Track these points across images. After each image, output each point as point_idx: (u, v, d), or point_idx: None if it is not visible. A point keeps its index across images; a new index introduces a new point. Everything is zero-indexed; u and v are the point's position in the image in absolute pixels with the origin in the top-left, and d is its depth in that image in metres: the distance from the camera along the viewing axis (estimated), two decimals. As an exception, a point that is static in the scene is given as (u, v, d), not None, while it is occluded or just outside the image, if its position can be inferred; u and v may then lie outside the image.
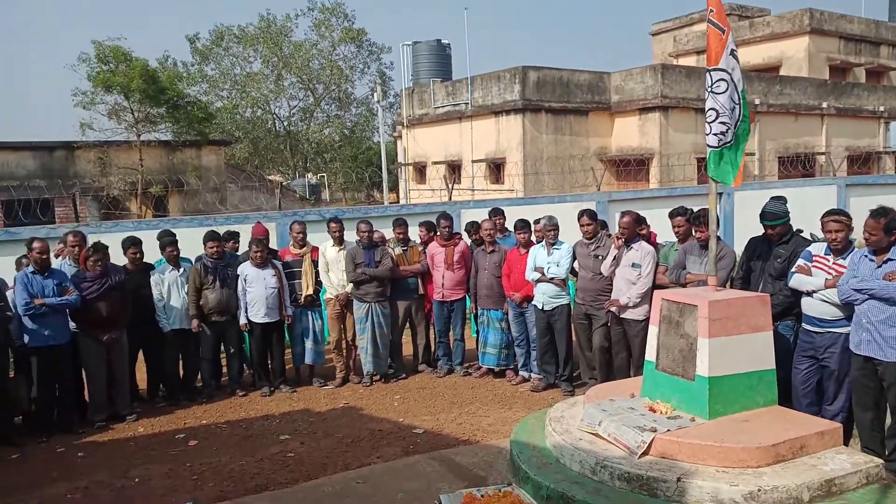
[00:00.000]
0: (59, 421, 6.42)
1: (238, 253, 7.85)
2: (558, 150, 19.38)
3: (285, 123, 35.65)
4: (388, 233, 8.13)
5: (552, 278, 6.96)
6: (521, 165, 18.76)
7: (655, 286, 6.31)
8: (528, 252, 7.25)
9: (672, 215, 6.70)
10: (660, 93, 19.22)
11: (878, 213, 4.61)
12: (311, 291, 7.60)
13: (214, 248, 7.24)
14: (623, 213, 6.69)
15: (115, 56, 17.98)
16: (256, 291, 7.26)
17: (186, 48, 34.93)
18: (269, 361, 7.59)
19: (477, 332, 8.06)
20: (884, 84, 26.84)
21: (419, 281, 7.94)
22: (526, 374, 7.54)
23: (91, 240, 7.05)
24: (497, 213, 8.25)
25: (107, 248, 6.66)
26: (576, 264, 7.05)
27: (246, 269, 7.32)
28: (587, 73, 20.35)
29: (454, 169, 21.88)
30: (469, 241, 8.18)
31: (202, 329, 7.16)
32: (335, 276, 7.66)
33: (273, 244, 8.73)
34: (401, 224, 8.00)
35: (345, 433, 6.06)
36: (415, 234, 8.22)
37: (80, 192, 16.55)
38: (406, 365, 8.12)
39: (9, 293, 6.30)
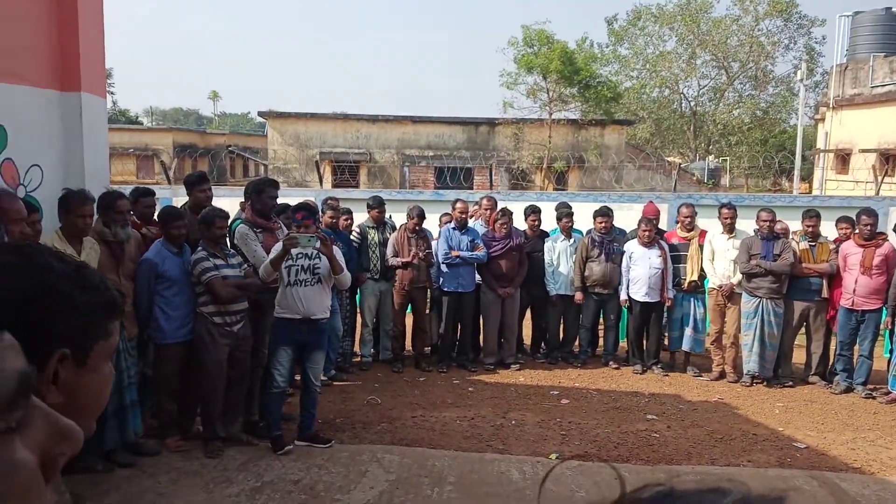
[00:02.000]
0: (457, 357, 7.49)
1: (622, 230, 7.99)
2: None
3: (692, 104, 34.48)
4: (795, 225, 7.38)
5: None
6: None
7: None
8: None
9: None
10: None
11: None
12: (695, 277, 7.36)
13: (603, 223, 7.51)
14: None
15: (539, 39, 19.60)
16: (640, 270, 7.32)
17: (604, 29, 36.01)
18: (645, 340, 7.62)
19: (891, 351, 6.85)
20: None
21: (824, 282, 7.05)
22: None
23: (501, 205, 7.93)
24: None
25: (512, 213, 7.45)
26: None
27: (632, 247, 7.43)
28: None
29: (887, 159, 18.57)
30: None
31: (584, 299, 7.54)
32: (721, 265, 7.27)
33: (663, 225, 8.67)
34: (811, 216, 7.18)
35: (715, 428, 5.80)
36: (828, 229, 7.30)
37: (497, 163, 18.64)
38: (795, 372, 7.34)
39: (433, 243, 7.50)
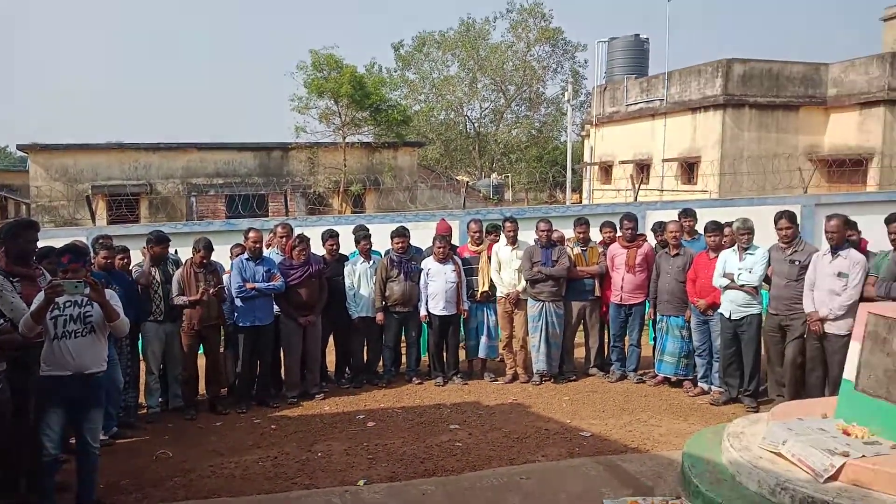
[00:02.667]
0: (257, 395, 7.18)
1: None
2: (761, 149, 17.95)
3: (476, 125, 36.64)
4: (569, 233, 8.08)
5: (742, 285, 6.50)
6: (717, 165, 17.64)
7: (862, 298, 5.67)
8: (717, 256, 6.84)
9: (888, 221, 5.98)
10: (887, 85, 17.09)
11: None
12: (486, 288, 7.78)
13: (400, 244, 7.66)
14: (830, 217, 6.10)
15: (328, 64, 19.63)
16: (437, 285, 7.57)
17: (391, 55, 37.13)
18: (445, 353, 7.88)
19: (654, 338, 7.75)
20: None
21: (596, 282, 7.80)
22: (705, 386, 7.11)
23: (297, 232, 7.78)
24: (688, 214, 7.87)
25: (309, 239, 7.33)
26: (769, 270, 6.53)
27: (429, 264, 7.67)
28: (800, 65, 18.65)
29: (642, 168, 21.11)
30: (654, 243, 7.89)
31: (388, 319, 7.62)
32: (507, 275, 7.75)
33: (456, 241, 9.05)
34: (581, 223, 7.91)
35: (511, 428, 6.14)
36: (596, 234, 8.09)
37: (291, 188, 18.32)
38: (577, 367, 8.02)
39: (225, 277, 7.15)
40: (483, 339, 7.84)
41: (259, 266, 7.03)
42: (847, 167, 17.24)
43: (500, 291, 7.79)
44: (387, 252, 7.91)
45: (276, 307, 7.17)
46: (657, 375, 7.52)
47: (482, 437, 5.96)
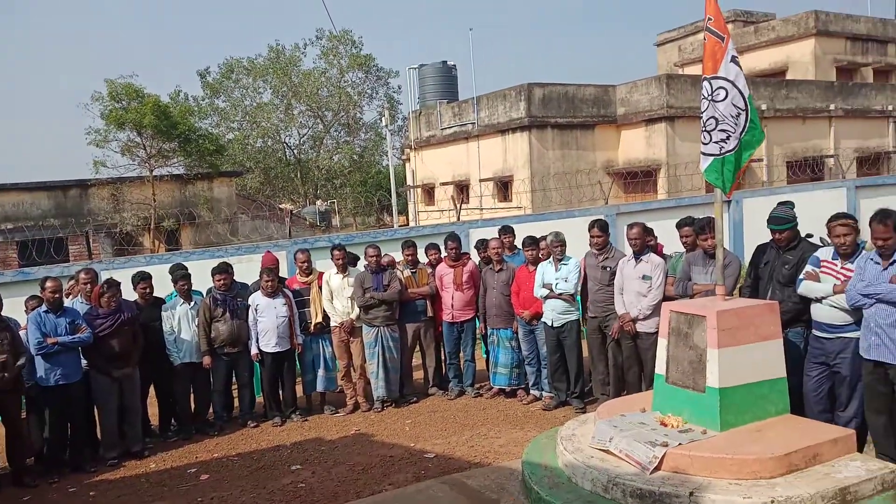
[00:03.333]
0: (70, 460, 6.44)
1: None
2: (565, 166, 19.39)
3: (295, 152, 36.03)
4: (399, 256, 8.15)
5: (560, 294, 6.93)
6: (528, 182, 18.76)
7: (665, 298, 6.26)
8: (536, 269, 7.23)
9: (679, 226, 6.67)
10: (665, 103, 19.20)
11: (884, 215, 4.55)
12: (320, 319, 7.61)
13: (222, 281, 7.28)
14: (631, 225, 6.67)
15: (127, 93, 18.30)
16: (267, 321, 7.27)
17: (198, 83, 35.51)
18: (281, 391, 7.59)
19: (487, 352, 8.02)
20: (892, 83, 26.60)
21: (428, 303, 7.93)
22: (537, 393, 7.48)
23: (103, 276, 7.11)
24: (506, 230, 8.24)
25: (119, 284, 6.71)
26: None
27: (257, 299, 7.35)
28: (592, 87, 20.40)
29: (462, 189, 21.94)
30: (479, 260, 8.19)
31: (215, 362, 7.19)
32: (339, 304, 7.65)
33: (284, 273, 8.78)
34: (409, 246, 8.01)
35: (356, 461, 6.03)
36: (424, 255, 8.23)
37: (94, 229, 16.79)
38: (417, 388, 8.09)
39: (21, 333, 6.36)
40: (320, 372, 7.66)
41: (61, 318, 6.33)
42: (639, 178, 19.12)
43: (334, 321, 7.66)
44: (209, 291, 7.48)
45: (84, 361, 6.49)
46: (493, 388, 7.78)
47: (326, 473, 5.79)
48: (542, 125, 19.42)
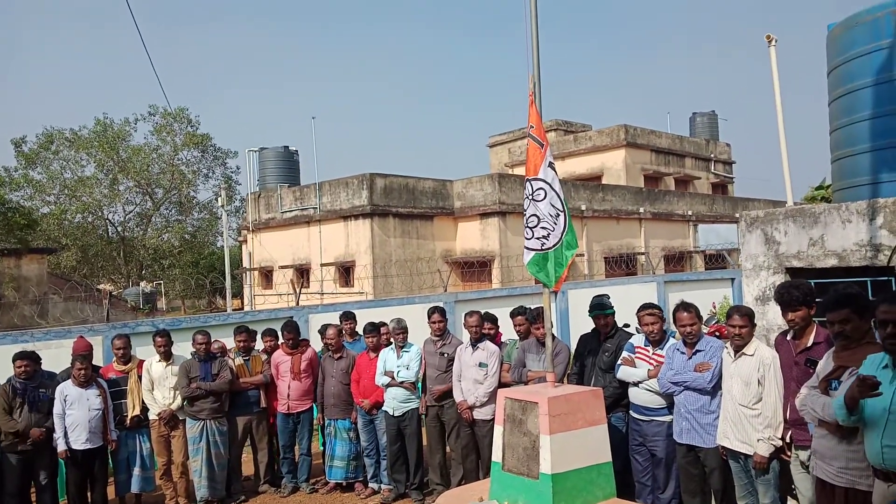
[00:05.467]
0: None
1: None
2: (406, 253, 19.81)
3: (119, 229, 33.73)
4: (231, 342, 7.75)
5: (402, 382, 6.90)
6: (370, 268, 18.90)
7: (501, 385, 6.44)
8: (377, 356, 7.18)
9: (513, 315, 6.97)
10: (498, 199, 20.42)
11: (685, 305, 5.09)
12: (137, 412, 6.97)
13: (24, 368, 6.49)
14: (470, 313, 6.88)
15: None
16: (78, 414, 6.52)
17: (12, 152, 32.55)
18: (90, 493, 6.75)
19: (324, 444, 7.72)
20: (690, 191, 30.36)
21: (261, 393, 7.55)
22: (376, 486, 7.27)
23: None
24: (348, 316, 8.16)
25: None
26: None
27: (66, 389, 6.59)
28: (431, 181, 21.29)
29: (302, 273, 21.60)
30: (322, 346, 7.99)
31: (7, 460, 6.28)
32: (160, 395, 7.08)
33: (99, 360, 7.99)
34: (242, 332, 7.65)
35: (175, 570, 5.45)
36: (260, 342, 7.89)
37: None
38: (246, 486, 7.55)
39: None
40: (136, 471, 6.93)
41: None
42: (476, 268, 19.93)
43: (154, 413, 7.04)
44: (8, 379, 6.63)
45: None
46: (329, 482, 7.45)
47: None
48: (384, 213, 19.83)
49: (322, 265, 20.62)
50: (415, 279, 17.05)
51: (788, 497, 4.58)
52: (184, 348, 7.61)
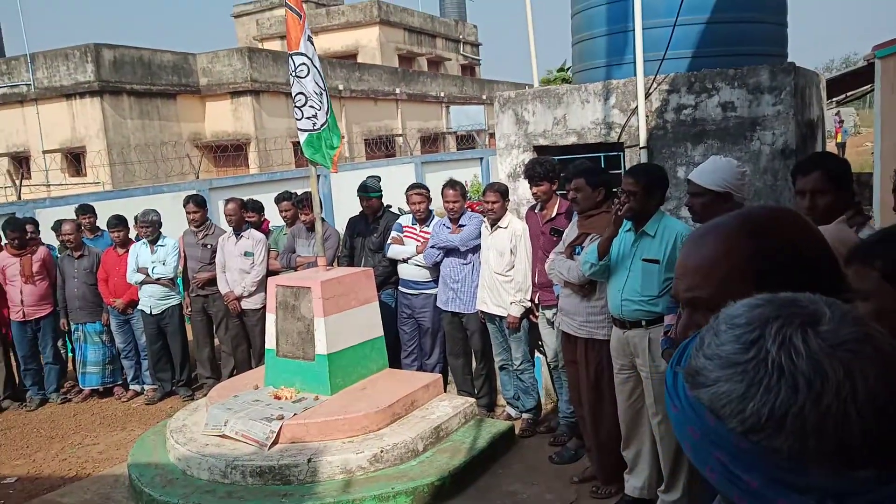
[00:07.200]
0: None
1: None
2: (147, 137, 17.94)
3: None
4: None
5: (158, 278, 6.44)
6: (105, 155, 16.88)
7: (270, 272, 6.31)
8: (127, 252, 6.57)
9: (278, 200, 6.77)
10: (249, 76, 19.14)
11: (452, 183, 5.36)
12: None
13: None
14: (228, 200, 6.54)
15: None
16: None
17: None
18: None
19: (72, 350, 7.04)
20: (442, 73, 31.12)
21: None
22: (138, 388, 6.87)
23: None
24: (86, 210, 7.30)
25: None
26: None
27: None
28: (171, 54, 19.15)
29: (21, 162, 18.65)
30: (58, 244, 7.08)
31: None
32: None
33: None
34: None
35: None
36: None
37: None
38: (-18, 405, 6.70)
39: None
40: None
41: None
42: (230, 152, 18.81)
43: None
44: None
45: None
46: (83, 389, 6.87)
47: None
48: (117, 91, 17.57)
49: (45, 152, 17.91)
50: (160, 166, 15.60)
51: (536, 351, 5.22)
52: None
